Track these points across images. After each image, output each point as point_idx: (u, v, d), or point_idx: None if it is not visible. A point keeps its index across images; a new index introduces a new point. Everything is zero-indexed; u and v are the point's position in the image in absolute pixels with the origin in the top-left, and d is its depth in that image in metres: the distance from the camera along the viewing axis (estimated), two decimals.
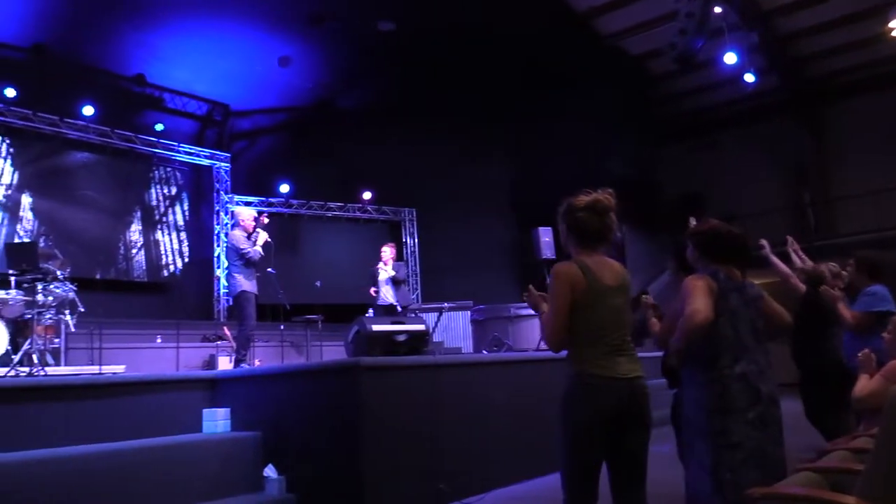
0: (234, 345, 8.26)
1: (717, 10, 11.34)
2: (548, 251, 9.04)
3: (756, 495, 2.24)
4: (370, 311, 9.27)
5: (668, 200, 16.12)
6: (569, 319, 2.72)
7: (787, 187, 15.88)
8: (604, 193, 2.84)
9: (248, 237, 7.43)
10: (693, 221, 3.45)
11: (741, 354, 2.81)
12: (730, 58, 12.66)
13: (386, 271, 9.10)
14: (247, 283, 7.25)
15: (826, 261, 5.25)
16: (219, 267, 13.31)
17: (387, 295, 9.06)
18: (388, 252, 9.27)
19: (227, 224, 13.23)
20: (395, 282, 9.05)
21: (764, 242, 5.04)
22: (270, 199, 14.14)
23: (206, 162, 13.71)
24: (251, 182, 14.26)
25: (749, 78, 13.41)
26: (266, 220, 7.52)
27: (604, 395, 2.63)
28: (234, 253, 7.31)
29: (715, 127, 16.44)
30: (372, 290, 9.22)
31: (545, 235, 9.09)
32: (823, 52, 14.61)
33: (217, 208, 13.75)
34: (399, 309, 8.91)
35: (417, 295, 14.41)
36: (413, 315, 9.11)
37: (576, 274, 2.74)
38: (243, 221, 7.51)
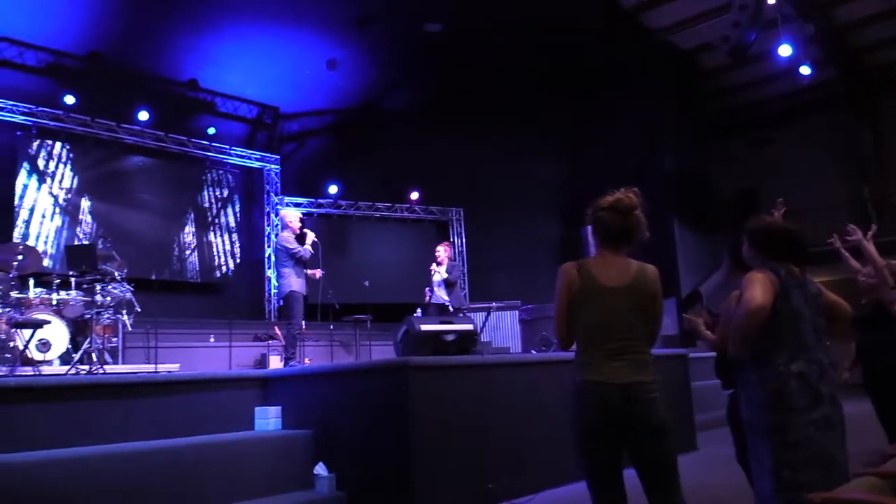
0: (284, 344, 8.38)
1: (771, 1, 11.07)
2: (597, 250, 8.89)
3: (817, 500, 2.16)
4: (418, 310, 9.27)
5: (722, 197, 15.78)
6: (568, 319, 2.76)
7: (847, 183, 15.35)
8: (626, 192, 2.81)
9: (297, 238, 7.55)
10: (779, 209, 3.29)
11: (799, 354, 2.72)
12: (784, 50, 12.32)
13: (439, 273, 9.05)
14: (296, 283, 7.38)
15: (889, 259, 5.04)
16: (269, 267, 13.48)
17: (440, 295, 9.04)
18: (442, 252, 9.17)
19: (277, 225, 13.36)
20: (447, 283, 9.00)
21: (853, 228, 4.70)
22: (319, 201, 14.27)
23: (256, 164, 13.91)
24: (300, 183, 14.42)
25: (805, 70, 13.05)
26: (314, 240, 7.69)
27: (594, 402, 2.65)
28: (284, 253, 7.45)
29: (770, 121, 16.02)
30: (427, 290, 9.23)
31: None
32: (883, 42, 14.13)
33: (267, 210, 13.93)
34: (451, 309, 8.88)
35: (465, 294, 14.37)
36: (461, 315, 9.10)
37: (572, 273, 2.77)
38: (290, 223, 7.66)
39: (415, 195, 14.81)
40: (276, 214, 13.46)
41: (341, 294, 9.86)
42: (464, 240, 15.24)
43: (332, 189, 14.26)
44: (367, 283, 10.57)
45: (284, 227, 7.74)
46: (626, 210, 2.78)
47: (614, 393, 2.63)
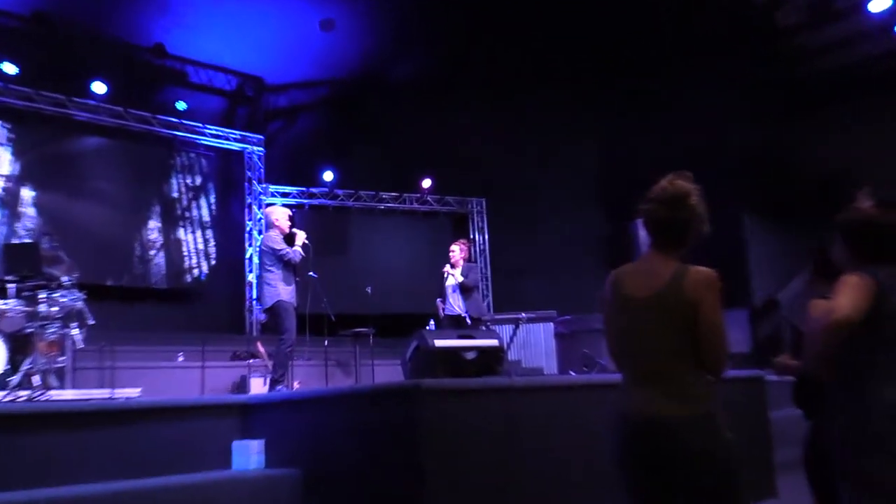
0: (269, 364, 8.37)
1: None
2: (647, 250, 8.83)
3: None
4: (431, 322, 9.26)
5: (803, 183, 15.54)
6: (610, 335, 2.90)
7: None
8: (674, 178, 2.77)
9: (284, 239, 7.59)
10: (863, 198, 3.25)
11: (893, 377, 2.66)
12: (877, 4, 12.18)
13: (453, 276, 9.05)
14: (284, 291, 7.42)
15: None
16: (251, 271, 13.54)
17: (455, 304, 9.02)
18: (457, 252, 9.17)
19: (260, 220, 13.42)
20: (463, 289, 8.98)
21: None
22: (312, 190, 14.34)
23: (236, 146, 13.97)
24: (289, 169, 14.49)
25: None
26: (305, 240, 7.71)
27: (622, 437, 2.70)
28: (270, 256, 7.51)
29: (861, 90, 15.74)
30: (438, 302, 9.21)
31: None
32: None
33: (249, 201, 13.99)
34: (468, 320, 8.86)
35: (489, 303, 14.38)
36: (484, 328, 9.05)
37: (608, 283, 2.87)
38: (277, 221, 7.73)
39: (427, 183, 14.84)
40: (260, 206, 13.60)
41: (338, 303, 9.83)
42: (486, 237, 15.24)
43: (328, 176, 14.30)
44: (369, 290, 10.51)
45: (270, 225, 7.79)
46: (674, 200, 2.73)
47: (642, 428, 2.61)
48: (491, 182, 14.89)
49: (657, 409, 2.59)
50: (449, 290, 9.11)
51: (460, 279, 8.97)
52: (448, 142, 14.12)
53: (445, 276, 9.17)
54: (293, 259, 7.49)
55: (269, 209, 8.26)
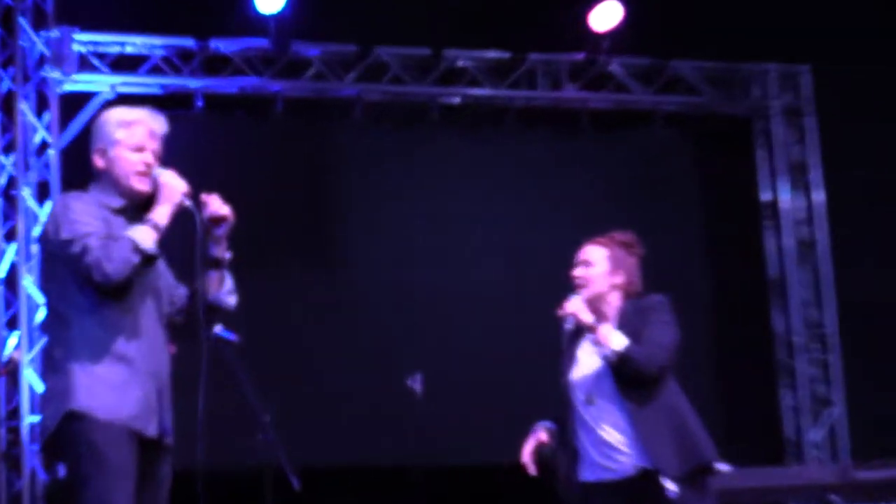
0: None
1: None
2: None
3: None
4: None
5: None
6: None
7: None
8: None
9: (126, 211, 6.34)
10: None
11: None
12: None
13: (596, 339, 8.07)
14: (89, 382, 6.11)
15: None
16: (12, 325, 12.75)
17: (602, 432, 8.05)
18: (599, 265, 8.60)
19: (41, 154, 13.00)
20: (624, 376, 8.09)
21: None
22: (215, 45, 13.77)
23: None
24: None
25: None
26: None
27: None
28: (54, 262, 6.47)
29: None
30: (538, 430, 8.25)
31: None
32: None
33: (9, 86, 13.34)
34: (669, 487, 7.71)
35: (841, 411, 14.21)
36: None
37: None
38: (118, 156, 6.45)
39: (610, 16, 13.60)
40: (48, 107, 13.40)
41: (309, 429, 10.76)
42: (817, 193, 14.57)
43: (265, 2, 13.13)
44: (417, 385, 10.07)
45: (97, 172, 6.57)
46: None
47: None
48: (828, 25, 13.67)
49: None
50: (578, 394, 8.25)
51: (618, 346, 8.04)
52: None
53: (565, 326, 8.41)
54: (105, 273, 5.98)
55: (103, 118, 6.84)
